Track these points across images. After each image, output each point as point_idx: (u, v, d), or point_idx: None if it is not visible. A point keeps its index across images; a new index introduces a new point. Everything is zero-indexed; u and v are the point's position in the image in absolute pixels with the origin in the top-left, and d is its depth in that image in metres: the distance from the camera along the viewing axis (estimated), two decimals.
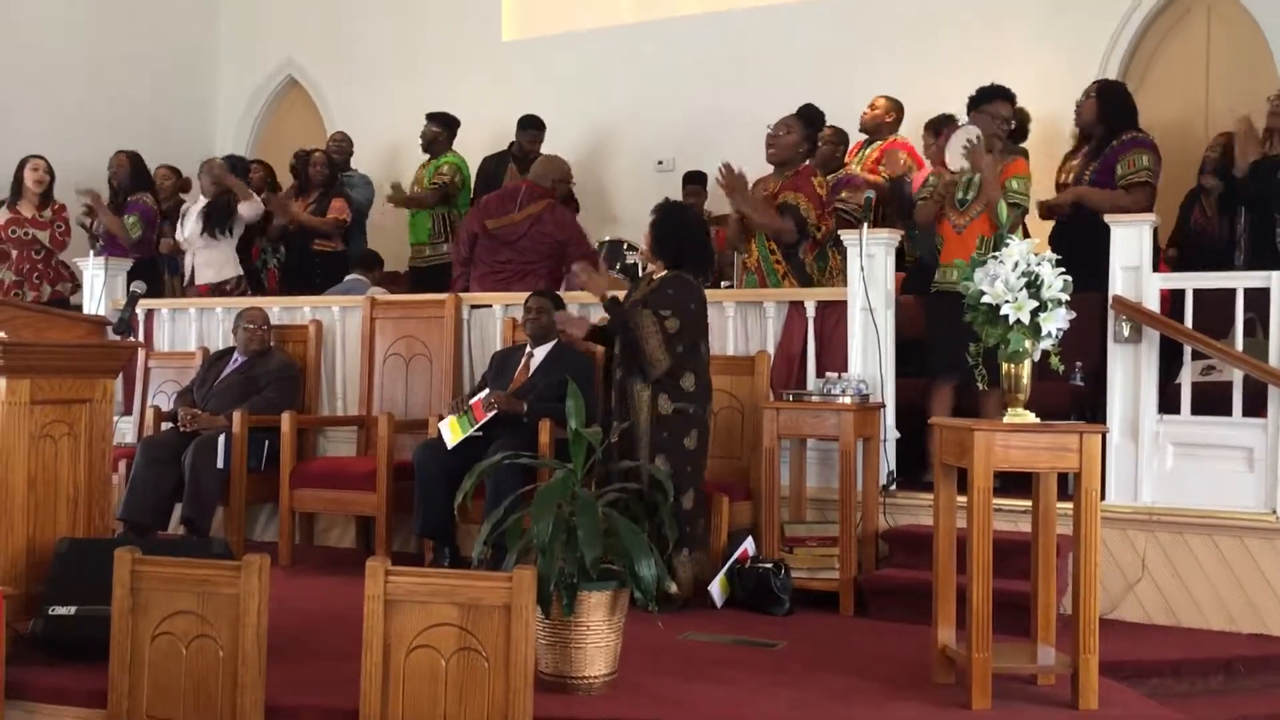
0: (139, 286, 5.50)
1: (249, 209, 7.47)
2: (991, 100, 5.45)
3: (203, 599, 3.40)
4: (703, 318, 4.97)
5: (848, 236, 5.41)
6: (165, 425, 6.22)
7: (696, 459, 4.89)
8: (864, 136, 7.17)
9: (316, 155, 8.23)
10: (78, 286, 7.60)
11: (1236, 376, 4.78)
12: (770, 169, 5.92)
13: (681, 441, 4.83)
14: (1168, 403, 4.93)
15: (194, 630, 3.40)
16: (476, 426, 5.36)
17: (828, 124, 6.88)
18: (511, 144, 8.14)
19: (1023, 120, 6.17)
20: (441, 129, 8.12)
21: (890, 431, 5.35)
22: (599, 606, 3.62)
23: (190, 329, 7.07)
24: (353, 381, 6.59)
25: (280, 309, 6.81)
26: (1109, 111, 5.90)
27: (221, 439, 5.87)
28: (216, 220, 7.40)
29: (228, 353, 6.50)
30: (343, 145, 8.62)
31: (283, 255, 8.06)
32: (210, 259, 7.44)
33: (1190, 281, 5.00)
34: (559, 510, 3.59)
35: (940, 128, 6.40)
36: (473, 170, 8.14)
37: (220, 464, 5.85)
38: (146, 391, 6.90)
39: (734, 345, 5.65)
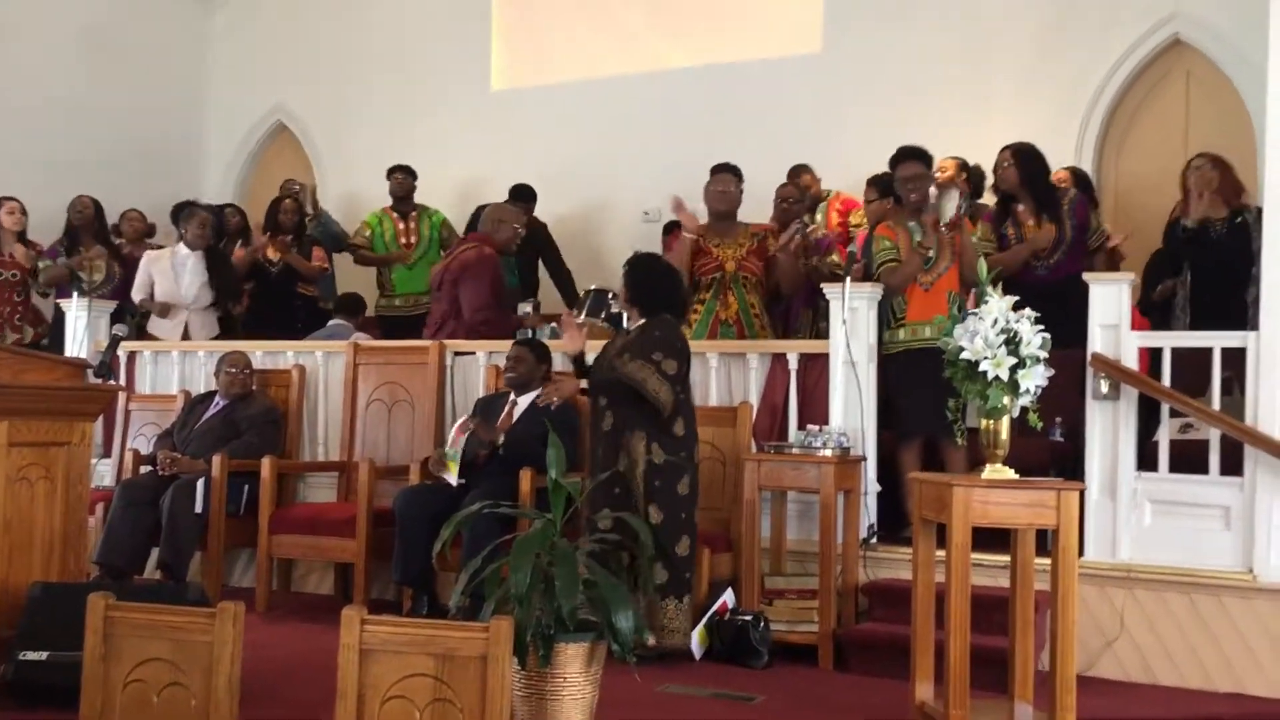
0: (121, 330, 5.51)
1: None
2: (901, 161, 5.54)
3: (175, 646, 3.35)
4: (689, 359, 5.02)
5: (830, 290, 5.44)
6: (144, 468, 6.19)
7: (690, 506, 4.92)
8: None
9: (286, 203, 8.27)
10: (50, 330, 7.59)
11: (1213, 435, 4.81)
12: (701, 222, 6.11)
13: (675, 489, 4.86)
14: (1146, 460, 4.96)
15: (166, 678, 3.35)
16: (457, 449, 5.41)
17: (799, 177, 7.00)
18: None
19: (978, 180, 6.27)
20: (414, 181, 8.16)
21: (871, 485, 5.36)
22: (576, 658, 3.59)
23: (172, 372, 7.06)
24: (334, 427, 6.58)
25: (263, 353, 6.81)
26: (1032, 173, 6.04)
27: (200, 483, 5.85)
28: (230, 294, 7.50)
29: (209, 396, 6.48)
30: (298, 193, 8.66)
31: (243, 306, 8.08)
32: (207, 320, 7.45)
33: (1168, 340, 5.05)
34: (537, 560, 3.58)
35: (882, 184, 6.48)
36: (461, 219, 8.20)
37: (199, 508, 5.83)
38: (126, 434, 6.87)
39: (717, 396, 5.67)
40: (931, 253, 5.37)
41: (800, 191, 7.02)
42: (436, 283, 6.78)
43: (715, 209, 6.10)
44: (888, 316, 5.51)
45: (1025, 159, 6.07)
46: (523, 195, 8.14)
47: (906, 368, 5.37)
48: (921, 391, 5.01)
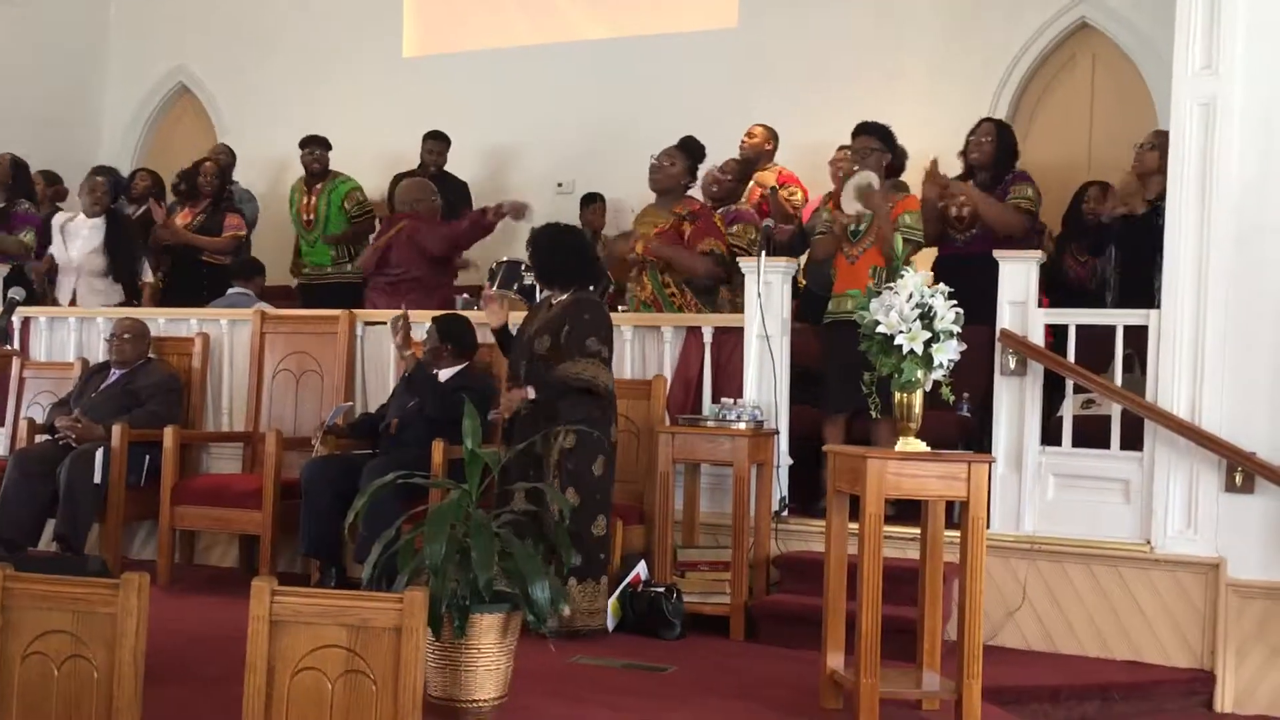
0: (18, 293, 5.32)
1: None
2: (856, 135, 5.60)
3: (77, 618, 3.26)
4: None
5: (746, 265, 5.46)
6: (40, 438, 6.00)
7: (606, 486, 4.87)
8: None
9: (207, 165, 8.03)
10: None
11: (1115, 410, 4.94)
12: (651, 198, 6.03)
13: (590, 470, 4.81)
14: (1050, 434, 5.07)
15: (67, 650, 3.26)
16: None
17: (729, 157, 6.95)
18: (421, 163, 8.07)
19: (899, 158, 6.33)
20: (325, 151, 7.92)
21: (784, 458, 5.40)
22: (491, 629, 3.57)
23: (69, 339, 6.84)
24: (240, 397, 6.44)
25: (165, 320, 6.63)
26: (1003, 152, 6.09)
27: (100, 453, 5.68)
28: (125, 270, 7.24)
29: (107, 365, 6.30)
30: (227, 158, 8.43)
31: (162, 274, 7.81)
32: (101, 286, 7.21)
33: (1073, 318, 5.16)
34: (453, 531, 3.54)
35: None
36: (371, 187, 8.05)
37: (97, 478, 5.66)
38: (20, 402, 6.65)
39: (631, 369, 5.66)
40: (863, 225, 5.39)
41: (734, 166, 6.92)
42: (372, 264, 6.72)
43: (650, 185, 6.03)
44: (827, 286, 5.55)
45: (1002, 138, 6.11)
46: (435, 136, 8.06)
47: (831, 341, 5.40)
48: (843, 366, 5.04)
